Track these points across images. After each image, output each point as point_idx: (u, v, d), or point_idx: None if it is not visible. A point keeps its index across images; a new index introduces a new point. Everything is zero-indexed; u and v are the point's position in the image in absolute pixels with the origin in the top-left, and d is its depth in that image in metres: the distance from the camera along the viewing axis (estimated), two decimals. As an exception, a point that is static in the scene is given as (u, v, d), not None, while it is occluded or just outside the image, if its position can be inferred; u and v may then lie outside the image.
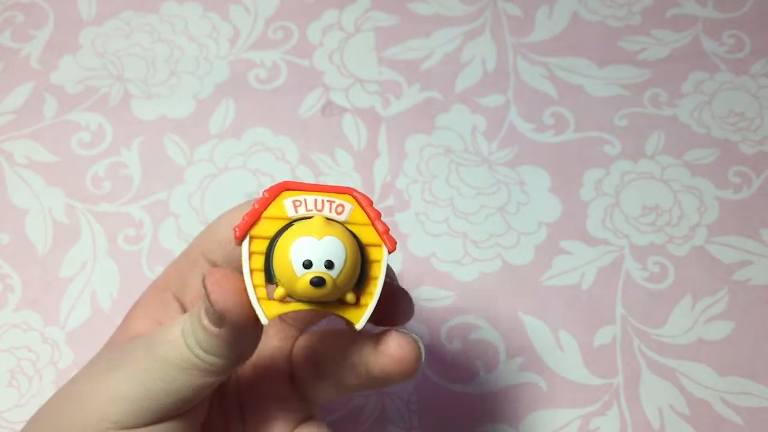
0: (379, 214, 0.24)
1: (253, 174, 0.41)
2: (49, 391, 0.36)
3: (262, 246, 0.23)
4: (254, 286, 0.23)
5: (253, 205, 0.24)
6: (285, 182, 0.24)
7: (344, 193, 0.24)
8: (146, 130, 0.42)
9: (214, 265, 0.28)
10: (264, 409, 0.29)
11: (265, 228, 0.23)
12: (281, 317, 0.30)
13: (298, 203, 0.24)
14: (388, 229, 0.24)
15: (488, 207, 0.40)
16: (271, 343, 0.30)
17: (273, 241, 0.23)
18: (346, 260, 0.23)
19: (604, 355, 0.37)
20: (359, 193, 0.24)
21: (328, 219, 0.24)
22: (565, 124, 0.43)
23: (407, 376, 0.25)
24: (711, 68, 0.44)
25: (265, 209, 0.24)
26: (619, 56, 0.45)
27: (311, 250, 0.22)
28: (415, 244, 0.39)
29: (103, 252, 0.39)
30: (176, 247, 0.39)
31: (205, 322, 0.24)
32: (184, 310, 0.29)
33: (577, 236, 0.40)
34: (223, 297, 0.23)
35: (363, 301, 0.24)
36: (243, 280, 0.23)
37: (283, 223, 0.24)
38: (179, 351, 0.24)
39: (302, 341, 0.30)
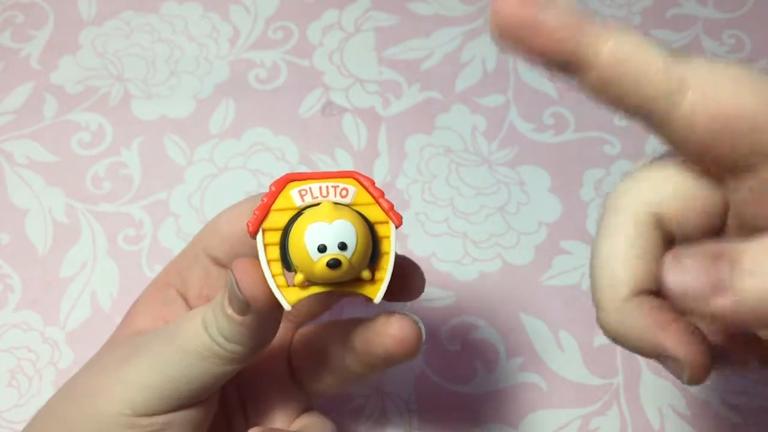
0: (382, 193, 0.25)
1: (253, 174, 0.41)
2: (49, 391, 0.36)
3: (275, 237, 0.24)
4: (273, 276, 0.24)
5: (262, 199, 0.25)
6: (289, 174, 0.25)
7: (346, 177, 0.25)
8: (146, 130, 0.42)
9: (215, 261, 0.29)
10: (265, 402, 0.30)
11: (276, 219, 0.24)
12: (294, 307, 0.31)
13: (304, 192, 0.25)
14: (393, 206, 0.25)
15: (488, 207, 0.40)
16: None
17: (285, 230, 0.24)
18: (357, 240, 0.24)
19: (604, 355, 0.37)
20: (360, 174, 0.25)
21: (335, 203, 0.25)
22: (565, 124, 0.43)
23: (409, 356, 0.26)
24: (711, 68, 0.44)
25: (273, 202, 0.25)
26: (619, 56, 0.45)
27: (324, 234, 0.23)
28: (415, 244, 0.39)
29: (103, 252, 0.39)
30: (176, 247, 0.39)
31: (230, 311, 0.25)
32: (188, 305, 0.30)
33: (577, 236, 0.40)
34: (252, 285, 0.24)
35: (378, 276, 0.25)
36: (262, 271, 0.24)
37: (293, 212, 0.25)
38: (201, 340, 0.25)
39: (300, 334, 0.31)
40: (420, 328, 0.26)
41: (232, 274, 0.24)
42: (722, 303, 0.17)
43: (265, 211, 0.24)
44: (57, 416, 0.27)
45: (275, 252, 0.24)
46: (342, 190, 0.25)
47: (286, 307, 0.24)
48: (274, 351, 0.30)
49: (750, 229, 0.20)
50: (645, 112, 0.20)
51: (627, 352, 0.37)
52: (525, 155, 0.42)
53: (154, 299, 0.30)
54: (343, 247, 0.23)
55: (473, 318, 0.38)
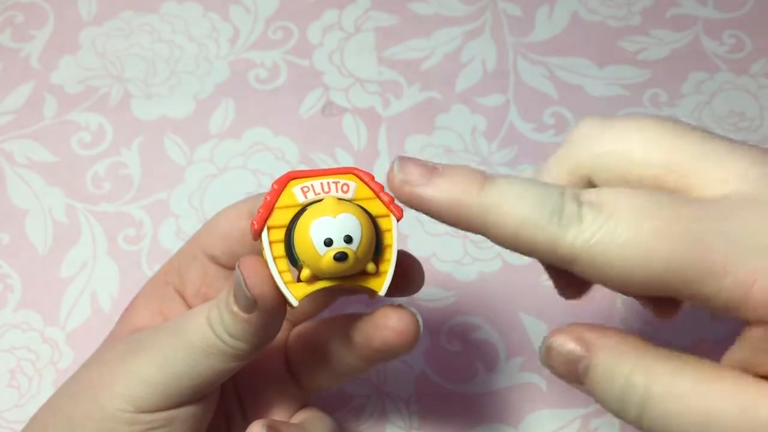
0: (382, 187, 0.26)
1: (253, 174, 0.41)
2: (49, 391, 0.36)
3: (279, 234, 0.25)
4: (279, 272, 0.24)
5: (265, 197, 0.25)
6: (291, 172, 0.25)
7: (346, 173, 0.26)
8: (146, 130, 0.42)
9: (213, 259, 0.29)
10: (262, 399, 0.30)
11: (280, 217, 0.25)
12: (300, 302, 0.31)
13: (306, 189, 0.25)
14: (393, 199, 0.26)
15: (488, 207, 0.40)
16: None
17: (290, 227, 0.25)
18: (362, 232, 0.24)
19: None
20: (360, 170, 0.26)
21: (339, 199, 0.25)
22: (565, 124, 0.43)
23: (407, 348, 0.27)
24: (711, 68, 0.44)
25: (276, 200, 0.25)
26: (619, 56, 0.45)
27: (329, 228, 0.24)
28: (415, 244, 0.39)
29: (103, 252, 0.39)
30: (176, 247, 0.39)
31: (235, 308, 0.25)
32: (186, 303, 0.30)
33: (577, 236, 0.40)
34: (260, 282, 0.24)
35: (381, 269, 0.25)
36: (268, 268, 0.24)
37: (296, 209, 0.25)
38: (206, 337, 0.25)
39: (296, 331, 0.31)
40: (418, 321, 0.27)
41: (240, 271, 0.24)
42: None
43: (269, 209, 0.25)
44: (59, 413, 0.28)
45: (280, 249, 0.25)
46: (343, 185, 0.26)
47: (294, 303, 0.24)
48: (270, 348, 0.30)
49: None
50: (546, 259, 0.22)
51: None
52: (525, 155, 0.42)
53: (152, 296, 0.31)
54: (348, 240, 0.24)
55: (473, 318, 0.38)
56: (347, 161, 0.41)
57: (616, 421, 0.36)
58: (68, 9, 0.46)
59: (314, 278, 0.25)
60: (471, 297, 0.38)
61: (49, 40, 0.45)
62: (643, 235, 0.20)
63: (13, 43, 0.45)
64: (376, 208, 0.26)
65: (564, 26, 0.46)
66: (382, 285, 0.25)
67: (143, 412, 0.26)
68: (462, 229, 0.23)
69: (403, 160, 0.23)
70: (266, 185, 0.40)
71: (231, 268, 0.30)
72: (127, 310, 0.31)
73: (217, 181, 0.41)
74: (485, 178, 0.22)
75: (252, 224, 0.25)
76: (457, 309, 0.38)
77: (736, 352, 0.21)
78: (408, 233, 0.40)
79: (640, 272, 0.20)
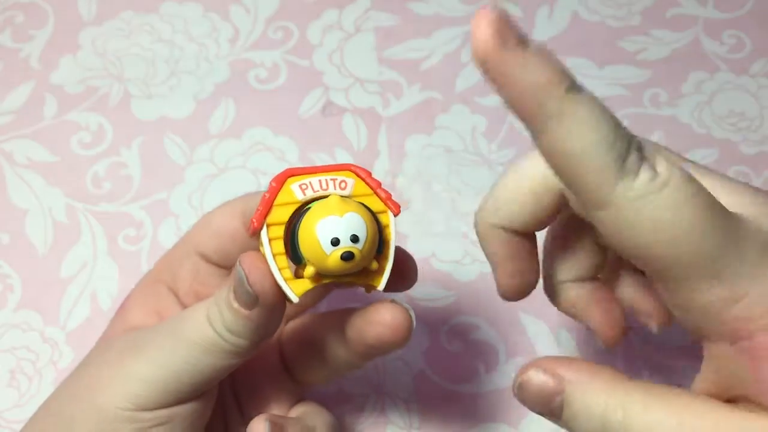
0: (379, 183, 0.26)
1: (253, 174, 0.41)
2: (49, 391, 0.35)
3: (279, 231, 0.25)
4: (279, 269, 0.24)
5: (264, 195, 0.25)
6: (289, 169, 0.26)
7: (344, 170, 0.26)
8: (146, 130, 0.42)
9: (205, 258, 0.30)
10: (259, 394, 0.30)
11: (279, 214, 0.25)
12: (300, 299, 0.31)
13: (304, 186, 0.25)
14: (390, 195, 0.26)
15: (488, 207, 0.40)
16: None
17: (290, 224, 0.25)
18: (367, 232, 0.24)
19: (604, 356, 0.37)
20: (357, 166, 0.26)
21: (342, 196, 0.25)
22: (565, 124, 0.43)
23: (400, 344, 0.27)
24: (711, 68, 0.44)
25: (275, 197, 0.25)
26: (619, 56, 0.45)
27: (336, 227, 0.24)
28: (415, 244, 0.39)
29: (103, 252, 0.39)
30: (176, 247, 0.39)
31: (236, 305, 0.25)
32: (179, 301, 0.30)
33: (577, 236, 0.40)
34: (261, 279, 0.24)
35: (380, 264, 0.26)
36: (268, 265, 0.25)
37: (294, 206, 0.25)
38: (206, 334, 0.25)
39: (290, 327, 0.32)
40: (411, 317, 0.27)
41: (241, 268, 0.24)
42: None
43: (268, 207, 0.25)
44: (57, 413, 0.28)
45: (280, 246, 0.25)
46: (341, 182, 0.26)
47: (294, 299, 0.25)
48: (266, 344, 0.30)
49: None
50: (579, 191, 0.20)
51: (627, 352, 0.37)
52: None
53: (146, 294, 0.31)
54: (355, 239, 0.24)
55: (473, 318, 0.38)
56: (347, 161, 0.41)
57: (616, 421, 0.36)
58: (68, 9, 0.46)
59: (317, 276, 0.25)
60: (471, 297, 0.38)
61: (49, 40, 0.45)
62: (681, 224, 0.19)
63: (13, 43, 0.45)
64: (373, 204, 0.26)
65: (564, 26, 0.46)
66: (380, 280, 0.26)
67: (143, 410, 0.26)
68: (516, 114, 0.20)
69: (497, 13, 0.19)
70: (266, 185, 0.40)
71: (223, 267, 0.30)
72: (121, 309, 0.31)
73: (217, 181, 0.41)
74: (572, 80, 0.21)
75: (251, 222, 0.25)
76: (457, 309, 0.38)
77: (705, 376, 0.22)
78: (408, 233, 0.40)
79: (658, 250, 0.20)
